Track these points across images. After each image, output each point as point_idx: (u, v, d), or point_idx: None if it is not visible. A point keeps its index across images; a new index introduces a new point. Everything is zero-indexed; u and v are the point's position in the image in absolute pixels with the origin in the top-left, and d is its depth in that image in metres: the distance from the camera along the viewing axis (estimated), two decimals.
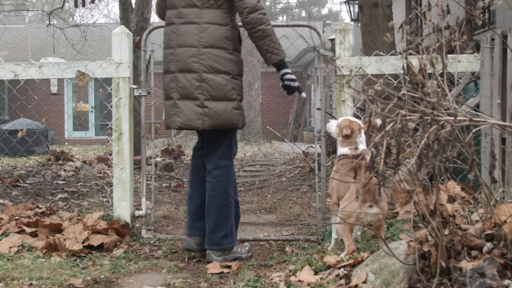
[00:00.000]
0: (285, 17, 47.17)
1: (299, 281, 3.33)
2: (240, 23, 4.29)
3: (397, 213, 3.04)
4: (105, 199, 6.04)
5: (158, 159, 11.85)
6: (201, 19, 4.14)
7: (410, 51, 4.34)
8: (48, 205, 5.90)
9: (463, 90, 5.87)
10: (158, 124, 22.89)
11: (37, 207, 5.55)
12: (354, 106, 4.88)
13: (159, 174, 9.73)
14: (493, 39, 4.41)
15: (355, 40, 6.10)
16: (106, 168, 10.17)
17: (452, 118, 2.48)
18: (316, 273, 3.43)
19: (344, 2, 18.40)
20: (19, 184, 8.13)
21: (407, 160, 2.86)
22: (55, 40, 16.19)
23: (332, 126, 4.19)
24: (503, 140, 4.19)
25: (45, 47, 25.08)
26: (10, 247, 4.37)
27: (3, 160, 12.45)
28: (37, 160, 12.23)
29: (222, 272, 3.91)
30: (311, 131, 22.36)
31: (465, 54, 4.62)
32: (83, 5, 13.32)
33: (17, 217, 4.93)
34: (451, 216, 2.84)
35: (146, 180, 5.18)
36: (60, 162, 10.69)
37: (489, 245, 2.72)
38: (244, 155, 15.06)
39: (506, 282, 2.49)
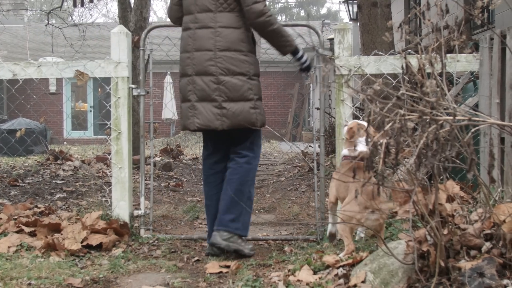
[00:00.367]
0: (284, 17, 47.16)
1: (298, 280, 3.33)
2: None
3: (396, 212, 3.03)
4: (103, 199, 6.03)
5: (157, 158, 11.85)
6: (216, 23, 4.30)
7: (409, 50, 4.35)
8: (46, 204, 5.89)
9: (462, 90, 5.87)
10: (156, 124, 22.90)
11: (36, 206, 5.54)
12: (353, 106, 4.88)
13: (158, 174, 9.73)
14: (492, 39, 4.41)
15: (354, 39, 6.10)
16: (105, 168, 10.17)
17: (451, 117, 2.48)
18: (315, 272, 3.43)
19: (343, 2, 18.43)
20: (17, 184, 8.12)
21: (406, 159, 2.87)
22: (53, 39, 16.20)
23: (345, 128, 4.19)
24: (502, 140, 4.19)
25: (43, 46, 25.07)
26: (8, 247, 4.36)
27: (1, 160, 12.45)
28: (35, 160, 12.23)
29: (221, 272, 3.91)
30: (310, 130, 22.38)
31: (464, 53, 4.62)
32: (82, 4, 13.34)
33: (15, 217, 4.93)
34: (450, 216, 2.84)
35: (145, 180, 5.17)
36: (59, 161, 10.69)
37: (488, 244, 2.72)
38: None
39: (505, 281, 2.49)
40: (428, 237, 2.76)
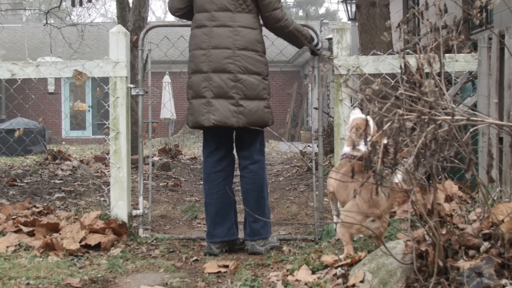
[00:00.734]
0: None
1: (297, 280, 3.33)
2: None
3: (394, 212, 3.03)
4: (102, 199, 6.03)
5: (156, 158, 11.84)
6: (235, 22, 4.38)
7: (408, 50, 4.34)
8: (45, 204, 5.89)
9: (460, 90, 5.87)
10: (155, 124, 22.88)
11: (34, 206, 5.54)
12: (351, 106, 4.88)
13: (156, 174, 9.73)
14: (490, 39, 4.41)
15: (352, 39, 6.10)
16: (103, 168, 10.17)
17: (449, 117, 2.48)
18: (313, 272, 3.43)
19: (342, 2, 18.42)
20: (16, 184, 8.12)
21: (404, 159, 2.86)
22: (52, 39, 16.20)
23: (351, 117, 4.10)
24: (501, 140, 4.20)
25: (42, 46, 25.07)
26: (7, 247, 4.36)
27: (0, 160, 12.44)
28: (34, 160, 12.22)
29: (219, 272, 3.91)
30: (308, 130, 22.37)
31: (462, 53, 4.62)
32: (80, 4, 13.32)
33: (14, 217, 4.92)
34: (449, 216, 2.84)
35: (144, 180, 5.17)
36: (57, 161, 10.68)
37: (486, 244, 2.72)
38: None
39: (504, 281, 2.49)
40: (427, 237, 2.76)
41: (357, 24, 8.57)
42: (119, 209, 4.91)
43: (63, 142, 20.53)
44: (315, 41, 4.74)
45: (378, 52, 4.94)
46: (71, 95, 26.30)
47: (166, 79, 22.65)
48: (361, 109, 4.14)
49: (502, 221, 2.66)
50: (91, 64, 5.02)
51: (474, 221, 2.89)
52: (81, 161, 10.91)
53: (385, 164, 2.56)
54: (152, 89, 4.83)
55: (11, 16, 27.00)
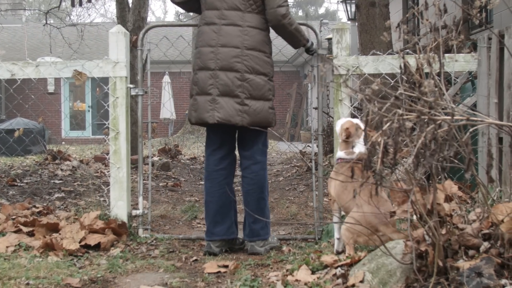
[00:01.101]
0: None
1: (296, 280, 3.33)
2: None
3: (394, 212, 3.03)
4: (102, 199, 6.03)
5: (155, 158, 11.84)
6: (244, 22, 4.41)
7: (407, 50, 4.35)
8: (45, 204, 5.89)
9: (460, 90, 5.87)
10: (155, 124, 22.85)
11: (34, 206, 5.54)
12: (351, 106, 4.88)
13: (156, 174, 9.72)
14: (490, 39, 4.41)
15: (352, 39, 6.10)
16: (103, 168, 10.17)
17: (449, 117, 2.48)
18: (313, 272, 3.43)
19: (341, 2, 18.41)
20: (16, 184, 8.12)
21: (404, 159, 2.86)
22: (52, 39, 16.18)
23: (338, 125, 4.08)
24: (500, 140, 4.20)
25: (42, 46, 25.06)
26: (7, 247, 4.36)
27: (0, 160, 12.43)
28: (34, 160, 12.22)
29: (219, 272, 3.91)
30: (308, 130, 22.38)
31: (462, 53, 4.62)
32: (80, 4, 13.32)
33: (14, 217, 4.92)
34: (448, 216, 2.84)
35: (143, 180, 5.17)
36: (57, 161, 10.68)
37: (486, 244, 2.72)
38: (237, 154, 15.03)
39: (503, 281, 2.49)
40: (426, 237, 2.75)
41: (356, 24, 8.57)
42: (119, 209, 4.91)
43: (63, 142, 20.51)
44: (309, 42, 4.73)
45: (378, 52, 4.94)
46: (71, 95, 26.30)
47: (166, 79, 22.66)
48: (361, 110, 4.13)
49: (502, 221, 2.66)
50: (90, 64, 5.02)
51: (474, 221, 2.89)
52: (81, 161, 10.91)
53: (384, 164, 2.56)
54: (151, 89, 4.83)
55: (11, 16, 27.02)
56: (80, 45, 15.88)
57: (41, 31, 17.39)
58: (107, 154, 5.15)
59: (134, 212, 5.00)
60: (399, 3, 14.65)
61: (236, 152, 4.68)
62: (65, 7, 16.68)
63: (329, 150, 9.89)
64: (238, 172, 4.72)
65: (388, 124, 2.49)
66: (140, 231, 5.00)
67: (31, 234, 4.59)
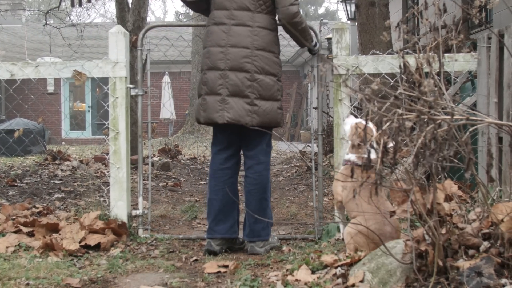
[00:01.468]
0: None
1: (296, 280, 3.33)
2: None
3: (394, 212, 3.03)
4: (102, 199, 6.03)
5: (155, 158, 11.84)
6: (254, 22, 4.43)
7: (407, 50, 4.35)
8: (45, 204, 5.89)
9: (460, 89, 5.87)
10: (155, 124, 22.83)
11: (34, 206, 5.54)
12: (351, 105, 4.88)
13: (156, 174, 9.72)
14: (489, 38, 4.41)
15: (352, 39, 6.10)
16: (103, 168, 10.17)
17: (449, 117, 2.48)
18: (313, 272, 3.42)
19: (341, 1, 18.40)
20: (16, 184, 8.11)
21: (404, 159, 2.86)
22: (51, 39, 16.20)
23: (347, 124, 3.97)
24: (500, 139, 4.20)
25: (41, 46, 25.08)
26: (7, 247, 4.36)
27: None
28: (34, 160, 12.22)
29: (219, 272, 3.90)
30: (308, 130, 22.37)
31: (462, 53, 4.62)
32: (80, 4, 13.31)
33: (14, 217, 4.92)
34: (448, 215, 2.84)
35: (143, 180, 5.17)
36: (57, 161, 10.68)
37: (486, 244, 2.72)
38: (241, 154, 15.04)
39: (503, 281, 2.49)
40: (426, 237, 2.75)
41: (356, 23, 8.57)
42: (119, 209, 4.91)
43: (63, 143, 20.51)
44: (314, 41, 4.78)
45: (378, 52, 4.94)
46: (71, 96, 26.31)
47: (166, 79, 22.66)
48: (360, 109, 4.10)
49: (502, 220, 2.66)
50: (90, 64, 5.02)
51: (474, 220, 2.89)
52: (81, 162, 10.90)
53: (384, 163, 2.55)
54: (151, 89, 4.83)
55: (11, 16, 27.03)
56: (80, 45, 15.90)
57: (41, 31, 17.41)
58: (107, 154, 5.15)
59: (134, 212, 5.00)
60: (398, 2, 14.65)
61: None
62: (65, 7, 16.69)
63: (329, 150, 9.89)
64: (241, 172, 4.72)
65: (387, 123, 2.49)
66: (140, 231, 5.00)
67: (31, 234, 4.59)
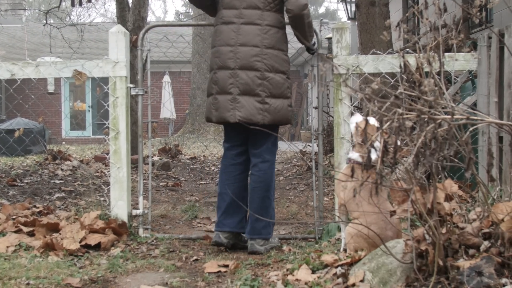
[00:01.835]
0: None
1: (297, 280, 3.33)
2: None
3: (394, 211, 3.03)
4: (102, 199, 6.03)
5: (156, 158, 11.84)
6: (263, 21, 4.46)
7: (407, 49, 4.34)
8: (45, 204, 5.89)
9: (460, 89, 5.87)
10: (155, 123, 22.84)
11: (34, 206, 5.54)
12: (351, 105, 4.88)
13: (156, 173, 9.72)
14: (490, 38, 4.41)
15: (352, 38, 6.10)
16: (103, 167, 10.17)
17: (449, 116, 2.48)
18: (313, 272, 3.42)
19: (341, 1, 18.39)
20: (16, 184, 8.12)
21: (404, 158, 2.86)
22: (52, 39, 16.18)
23: (353, 122, 3.87)
24: (500, 139, 4.20)
25: (42, 46, 25.06)
26: (7, 247, 4.36)
27: (0, 160, 12.44)
28: (34, 160, 12.22)
29: (219, 271, 3.90)
30: (308, 129, 22.36)
31: (462, 52, 4.62)
32: (80, 4, 13.31)
33: (14, 217, 4.92)
34: (449, 215, 2.84)
35: (144, 179, 5.17)
36: (57, 161, 10.68)
37: (486, 243, 2.72)
38: None
39: (504, 280, 2.49)
40: (427, 236, 2.75)
41: (356, 23, 8.57)
42: (119, 209, 4.91)
43: (63, 142, 20.53)
44: (314, 39, 4.79)
45: (378, 52, 4.94)
46: (71, 95, 26.31)
47: (166, 78, 22.66)
48: (361, 109, 4.08)
49: (502, 220, 2.66)
50: (90, 64, 5.02)
51: (474, 220, 2.89)
52: (81, 161, 10.91)
53: (385, 163, 2.55)
54: (151, 88, 4.84)
55: (11, 16, 27.01)
56: (80, 45, 15.88)
57: (41, 31, 17.39)
58: (107, 154, 5.14)
59: (134, 212, 5.00)
60: (399, 2, 14.65)
61: None
62: (65, 7, 16.68)
63: (329, 149, 9.89)
64: None
65: (388, 123, 2.49)
66: (141, 230, 5.00)
67: (31, 234, 4.59)
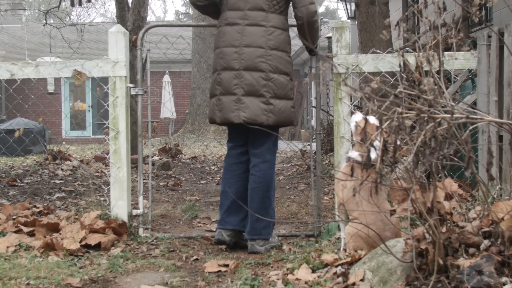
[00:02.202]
0: None
1: (297, 279, 3.33)
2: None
3: (394, 211, 3.03)
4: (102, 198, 6.03)
5: (156, 158, 11.83)
6: (268, 22, 4.48)
7: (407, 48, 4.34)
8: (45, 204, 5.89)
9: (460, 88, 5.87)
10: (155, 123, 22.85)
11: (35, 206, 5.54)
12: (351, 104, 4.88)
13: (156, 173, 9.72)
14: (489, 37, 4.41)
15: (352, 38, 6.10)
16: (103, 167, 10.17)
17: (449, 115, 2.48)
18: (313, 271, 3.42)
19: (341, 0, 18.38)
20: (16, 184, 8.12)
21: (404, 157, 2.86)
22: (51, 39, 16.18)
23: (353, 121, 3.85)
24: (500, 138, 4.20)
25: (42, 46, 25.06)
26: (7, 247, 4.36)
27: (0, 160, 12.44)
28: (34, 160, 12.23)
29: (220, 271, 3.90)
30: (308, 129, 22.36)
31: (462, 51, 4.62)
32: (80, 4, 13.32)
33: (14, 217, 4.92)
34: (448, 214, 2.84)
35: (144, 179, 5.17)
36: (57, 161, 10.68)
37: (486, 242, 2.72)
38: None
39: (504, 279, 2.49)
40: (427, 235, 2.75)
41: (356, 22, 8.56)
42: (119, 208, 4.91)
43: (63, 142, 20.52)
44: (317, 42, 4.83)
45: (378, 51, 4.94)
46: (71, 95, 26.31)
47: (166, 78, 22.66)
48: (360, 108, 4.08)
49: (502, 219, 2.66)
50: (90, 64, 5.02)
51: (474, 219, 2.89)
52: (81, 161, 10.91)
53: (384, 162, 2.55)
54: (152, 88, 4.84)
55: (11, 16, 27.02)
56: (80, 45, 15.87)
57: (41, 31, 17.40)
58: (107, 153, 5.14)
59: (134, 212, 5.01)
60: (398, 1, 14.64)
61: None
62: (65, 7, 16.68)
63: (329, 149, 9.89)
64: None
65: (387, 122, 2.49)
66: (141, 230, 5.00)
67: (31, 234, 4.59)
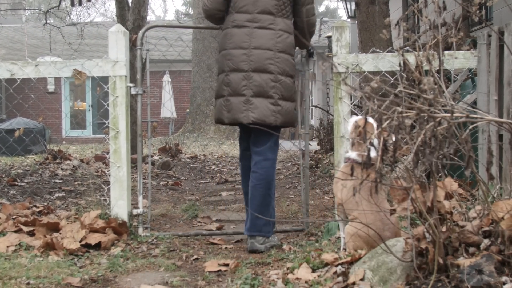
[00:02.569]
0: None
1: (297, 278, 3.33)
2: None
3: (394, 210, 3.03)
4: (102, 198, 6.03)
5: (156, 157, 11.83)
6: (276, 26, 4.57)
7: (407, 48, 4.34)
8: (45, 204, 5.89)
9: (460, 87, 5.87)
10: (155, 123, 22.87)
11: (35, 206, 5.54)
12: (351, 103, 4.88)
13: (156, 173, 9.72)
14: (489, 36, 4.41)
15: (352, 37, 6.10)
16: (104, 167, 10.17)
17: (449, 114, 2.48)
18: (313, 270, 3.42)
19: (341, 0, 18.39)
20: (16, 183, 8.12)
21: (404, 157, 2.86)
22: (52, 39, 16.18)
23: (350, 122, 3.89)
24: (500, 137, 4.19)
25: (42, 46, 25.05)
26: (7, 246, 4.36)
27: (0, 159, 12.44)
28: (34, 159, 12.22)
29: (220, 270, 3.90)
30: (309, 128, 22.34)
31: (462, 50, 4.62)
32: (80, 3, 13.32)
33: (14, 216, 4.92)
34: (449, 213, 2.84)
35: (144, 179, 5.17)
36: (57, 161, 10.69)
37: (486, 241, 2.72)
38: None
39: (504, 278, 2.49)
40: (427, 235, 2.75)
41: (356, 22, 8.57)
42: (119, 208, 4.91)
43: (63, 142, 20.52)
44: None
45: (378, 50, 4.94)
46: (71, 95, 26.31)
47: (166, 78, 22.65)
48: (360, 107, 4.08)
49: (502, 218, 2.66)
50: (90, 63, 5.02)
51: (474, 218, 2.89)
52: (81, 161, 10.91)
53: (384, 162, 2.55)
54: (152, 88, 4.84)
55: (11, 16, 27.03)
56: (80, 45, 15.87)
57: (41, 30, 17.38)
58: (108, 153, 5.14)
59: (134, 211, 5.01)
60: (398, 0, 14.64)
61: None
62: (65, 7, 16.68)
63: (329, 148, 9.89)
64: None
65: (387, 121, 2.48)
66: (141, 230, 5.00)
67: (31, 233, 4.59)
